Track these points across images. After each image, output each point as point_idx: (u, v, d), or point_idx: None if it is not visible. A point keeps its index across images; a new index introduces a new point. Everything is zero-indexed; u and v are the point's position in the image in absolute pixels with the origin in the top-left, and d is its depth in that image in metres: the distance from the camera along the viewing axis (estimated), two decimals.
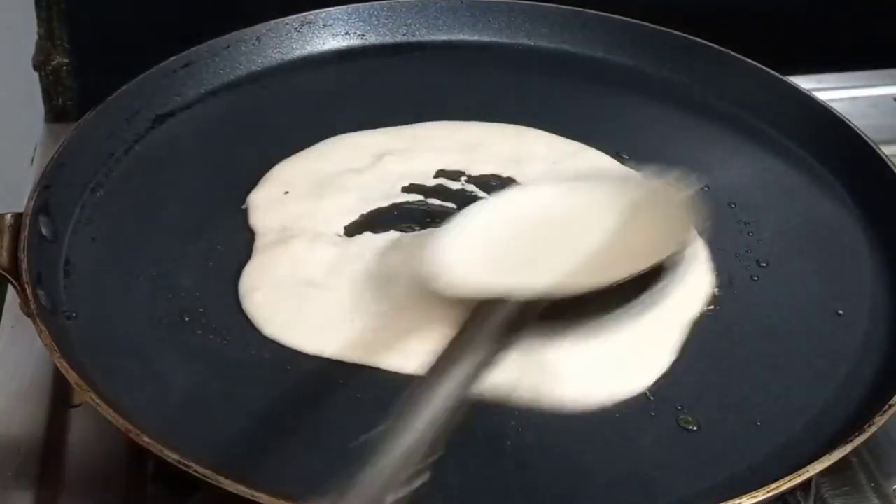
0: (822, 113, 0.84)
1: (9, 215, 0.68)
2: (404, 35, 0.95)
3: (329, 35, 0.93)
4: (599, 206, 0.67)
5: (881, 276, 0.73)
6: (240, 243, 0.73)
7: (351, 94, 0.87)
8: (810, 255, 0.75)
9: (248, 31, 0.90)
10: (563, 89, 0.89)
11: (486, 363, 0.55)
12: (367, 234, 0.73)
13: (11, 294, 0.70)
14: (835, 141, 0.82)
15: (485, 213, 0.69)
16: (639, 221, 0.66)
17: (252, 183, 0.78)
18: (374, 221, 0.75)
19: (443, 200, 0.77)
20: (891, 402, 0.61)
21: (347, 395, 0.63)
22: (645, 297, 0.61)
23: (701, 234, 0.68)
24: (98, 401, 0.58)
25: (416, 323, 0.66)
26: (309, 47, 0.92)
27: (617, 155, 0.82)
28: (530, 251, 0.65)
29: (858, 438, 0.59)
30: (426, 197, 0.77)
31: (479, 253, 0.65)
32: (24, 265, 0.65)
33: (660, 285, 0.61)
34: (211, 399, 0.63)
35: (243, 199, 0.76)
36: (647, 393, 0.64)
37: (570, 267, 0.63)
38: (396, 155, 0.80)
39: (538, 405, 0.63)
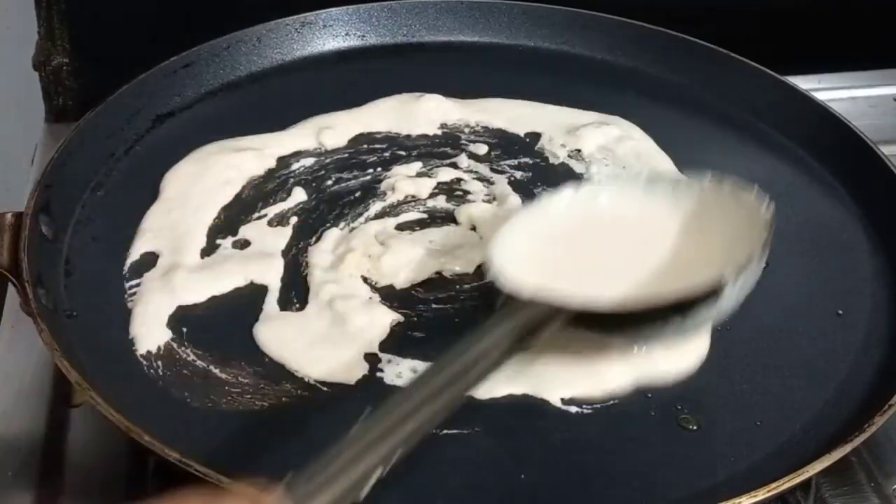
0: (822, 113, 0.84)
1: (9, 215, 0.68)
2: (404, 36, 0.95)
3: (329, 36, 0.93)
4: (663, 213, 0.67)
5: (881, 276, 0.73)
6: None
7: (351, 95, 0.87)
8: (810, 255, 0.75)
9: (248, 31, 0.90)
10: (563, 90, 0.89)
11: (503, 361, 0.57)
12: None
13: (12, 293, 0.70)
14: (835, 141, 0.82)
15: (543, 212, 0.68)
16: (703, 231, 0.66)
17: None
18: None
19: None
20: (891, 402, 0.61)
21: (350, 396, 0.63)
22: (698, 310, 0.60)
23: (766, 247, 0.63)
24: (98, 400, 0.58)
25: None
26: (309, 48, 0.92)
27: None
28: (585, 256, 0.66)
29: (858, 438, 0.59)
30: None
31: (532, 254, 0.65)
32: (25, 264, 0.65)
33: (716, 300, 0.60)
34: (211, 398, 0.63)
35: None
36: (648, 393, 0.64)
37: (624, 278, 0.63)
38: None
39: (536, 403, 0.63)
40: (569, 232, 0.67)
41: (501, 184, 0.79)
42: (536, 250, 0.66)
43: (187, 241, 0.72)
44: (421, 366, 0.65)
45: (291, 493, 0.46)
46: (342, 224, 0.75)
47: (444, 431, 0.60)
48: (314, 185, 0.78)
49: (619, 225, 0.68)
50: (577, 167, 0.81)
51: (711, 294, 0.60)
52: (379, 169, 0.80)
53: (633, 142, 0.83)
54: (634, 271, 0.64)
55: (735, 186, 0.67)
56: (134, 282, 0.69)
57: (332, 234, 0.74)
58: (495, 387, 0.62)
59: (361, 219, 0.75)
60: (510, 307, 0.60)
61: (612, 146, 0.82)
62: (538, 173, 0.81)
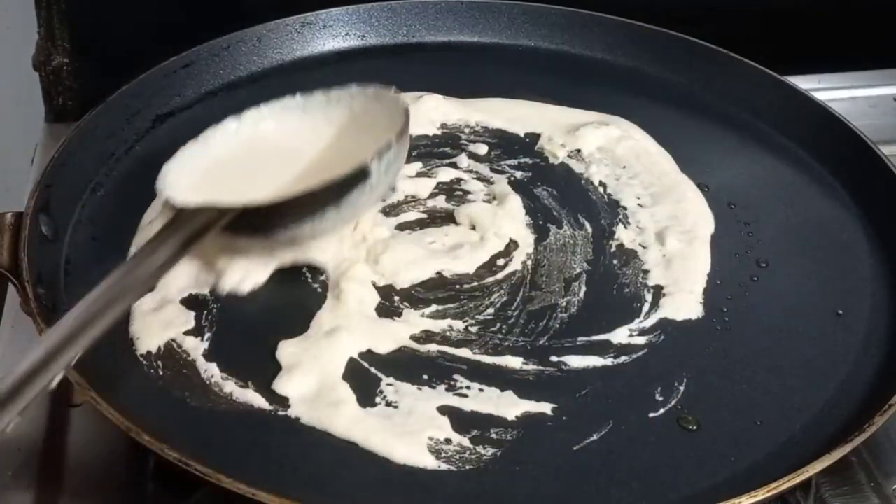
0: (822, 113, 0.84)
1: (9, 214, 0.68)
2: (404, 36, 0.95)
3: (329, 36, 0.93)
4: (318, 125, 0.74)
5: (881, 276, 0.73)
6: None
7: None
8: (810, 255, 0.75)
9: (248, 31, 0.90)
10: (563, 90, 0.89)
11: (168, 265, 0.62)
12: None
13: (12, 293, 0.70)
14: (835, 141, 0.82)
15: (210, 141, 0.72)
16: (353, 134, 0.72)
17: None
18: None
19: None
20: (891, 402, 0.61)
21: None
22: None
23: (405, 132, 0.69)
24: (98, 400, 0.58)
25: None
26: (309, 48, 0.92)
27: None
28: (249, 172, 0.71)
29: (858, 438, 0.59)
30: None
31: (202, 176, 0.70)
32: (25, 264, 0.65)
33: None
34: (211, 398, 0.63)
35: None
36: (647, 392, 0.64)
37: (284, 183, 0.69)
38: None
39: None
40: (234, 155, 0.72)
41: (501, 184, 0.79)
42: (203, 173, 0.70)
43: None
44: None
45: None
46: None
47: None
48: None
49: (279, 141, 0.74)
50: (577, 167, 0.81)
51: (359, 176, 0.66)
52: None
53: (633, 141, 0.83)
54: (292, 176, 0.70)
55: (377, 90, 0.74)
56: None
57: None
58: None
59: (363, 218, 0.75)
60: (180, 217, 0.64)
61: (612, 146, 0.82)
62: (538, 173, 0.81)
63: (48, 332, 0.56)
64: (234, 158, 0.72)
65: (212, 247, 0.69)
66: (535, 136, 0.84)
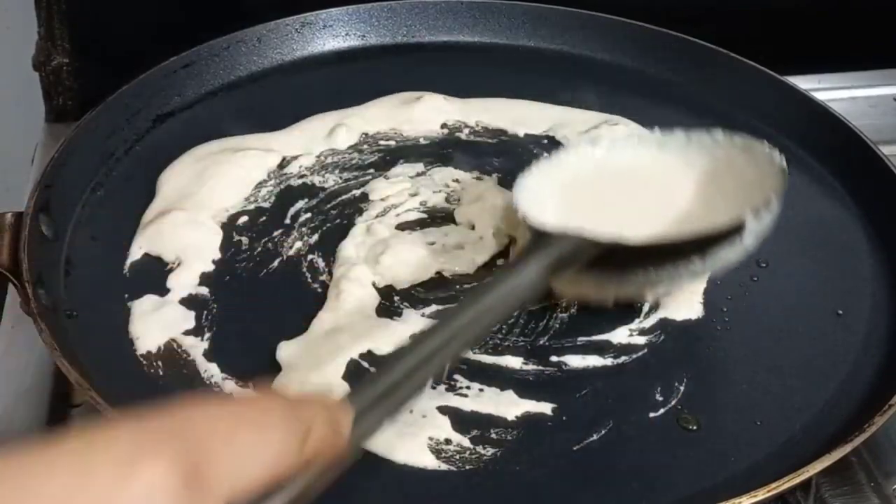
0: (822, 113, 0.84)
1: (9, 214, 0.68)
2: (404, 36, 0.95)
3: (329, 36, 0.93)
4: (678, 165, 0.70)
5: (881, 276, 0.73)
6: None
7: (351, 95, 0.87)
8: (810, 255, 0.75)
9: (248, 31, 0.90)
10: (563, 90, 0.89)
11: (533, 291, 0.59)
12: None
13: (12, 293, 0.70)
14: (835, 141, 0.82)
15: (564, 161, 0.71)
16: (719, 180, 0.69)
17: None
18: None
19: None
20: (891, 402, 0.61)
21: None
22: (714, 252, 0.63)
23: (779, 195, 0.65)
24: (98, 400, 0.58)
25: None
26: (309, 48, 0.92)
27: None
28: (606, 201, 0.68)
29: (858, 438, 0.59)
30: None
31: (556, 197, 0.68)
32: (25, 264, 0.65)
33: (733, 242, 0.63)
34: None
35: None
36: (647, 392, 0.64)
37: (646, 221, 0.65)
38: None
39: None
40: (590, 180, 0.70)
41: (502, 184, 0.79)
42: (559, 194, 0.68)
43: None
44: None
45: (353, 404, 0.47)
46: (342, 224, 0.75)
47: None
48: (314, 184, 0.78)
49: (636, 176, 0.70)
50: None
51: (733, 232, 0.62)
52: (379, 169, 0.80)
53: None
54: (655, 215, 0.67)
55: (746, 141, 0.70)
56: (134, 281, 0.69)
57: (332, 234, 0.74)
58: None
59: (361, 219, 0.75)
60: (538, 243, 0.61)
61: None
62: None
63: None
64: (589, 183, 0.70)
65: None
66: (535, 136, 0.84)
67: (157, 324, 0.66)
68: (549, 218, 0.64)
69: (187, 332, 0.66)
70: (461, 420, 0.62)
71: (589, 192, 0.69)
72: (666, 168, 0.70)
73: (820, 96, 0.87)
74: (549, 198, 0.68)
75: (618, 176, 0.70)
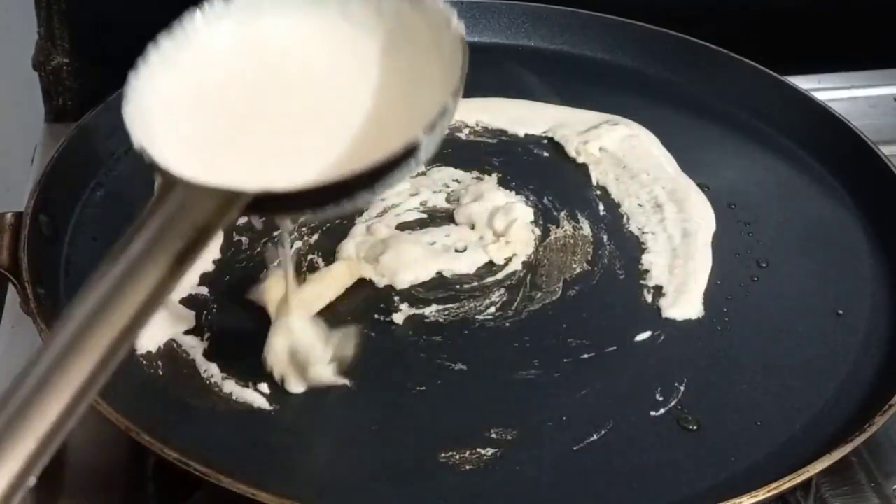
0: (822, 113, 0.84)
1: (9, 214, 0.68)
2: None
3: None
4: (326, 23, 0.56)
5: (881, 276, 0.73)
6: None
7: None
8: (810, 255, 0.75)
9: None
10: (564, 90, 0.89)
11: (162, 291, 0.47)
12: None
13: (12, 293, 0.70)
14: (835, 141, 0.82)
15: (196, 42, 0.57)
16: (391, 57, 0.56)
17: None
18: None
19: None
20: (891, 402, 0.61)
21: (351, 397, 0.63)
22: None
23: (457, 91, 0.55)
24: (98, 400, 0.58)
25: None
26: None
27: None
28: (254, 117, 0.54)
29: (858, 438, 0.59)
30: None
31: (186, 117, 0.53)
32: (25, 264, 0.65)
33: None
34: (211, 398, 0.63)
35: None
36: (647, 392, 0.64)
37: (306, 147, 0.53)
38: None
39: None
40: (231, 81, 0.55)
41: (501, 183, 0.79)
42: (189, 111, 0.53)
43: None
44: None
45: None
46: (342, 224, 0.75)
47: None
48: None
49: (281, 50, 0.56)
50: (579, 167, 0.81)
51: (405, 155, 0.50)
52: None
53: (636, 140, 0.83)
54: (302, 109, 0.54)
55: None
56: None
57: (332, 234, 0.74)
58: None
59: (361, 219, 0.75)
60: (165, 201, 0.47)
61: (615, 146, 0.82)
62: (538, 173, 0.81)
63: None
64: (230, 81, 0.55)
65: None
66: (535, 137, 0.84)
67: (156, 324, 0.66)
68: (179, 151, 0.49)
69: (187, 332, 0.66)
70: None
71: (230, 97, 0.54)
72: (319, 31, 0.55)
73: (820, 96, 0.87)
74: (175, 118, 0.52)
75: (260, 56, 0.55)
